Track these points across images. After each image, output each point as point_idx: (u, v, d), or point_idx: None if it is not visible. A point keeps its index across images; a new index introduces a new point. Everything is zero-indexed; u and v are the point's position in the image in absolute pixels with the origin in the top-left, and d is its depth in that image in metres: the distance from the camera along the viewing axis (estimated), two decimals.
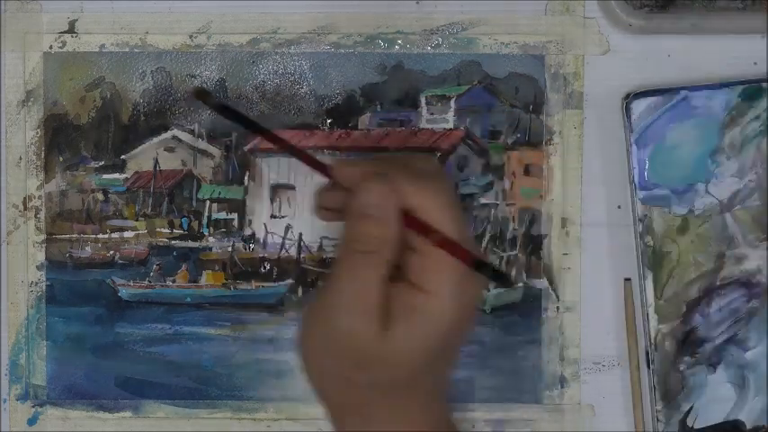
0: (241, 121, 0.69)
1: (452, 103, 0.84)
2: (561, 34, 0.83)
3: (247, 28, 0.83)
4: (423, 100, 0.84)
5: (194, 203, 0.85)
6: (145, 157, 0.85)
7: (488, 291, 0.85)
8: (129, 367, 0.85)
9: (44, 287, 0.84)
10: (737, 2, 0.83)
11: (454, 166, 0.85)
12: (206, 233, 0.85)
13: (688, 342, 0.83)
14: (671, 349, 0.83)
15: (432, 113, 0.84)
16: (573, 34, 0.83)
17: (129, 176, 0.85)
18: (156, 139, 0.84)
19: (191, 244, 0.85)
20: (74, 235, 0.85)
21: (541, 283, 0.84)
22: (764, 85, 0.83)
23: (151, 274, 0.85)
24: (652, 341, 0.83)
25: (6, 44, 0.83)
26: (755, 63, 0.83)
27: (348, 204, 0.66)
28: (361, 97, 0.84)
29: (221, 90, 0.84)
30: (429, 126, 0.84)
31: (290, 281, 0.85)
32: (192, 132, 0.84)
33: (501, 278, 0.66)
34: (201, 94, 0.68)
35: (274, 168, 0.85)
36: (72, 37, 0.83)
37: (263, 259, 0.86)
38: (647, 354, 0.83)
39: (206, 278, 0.85)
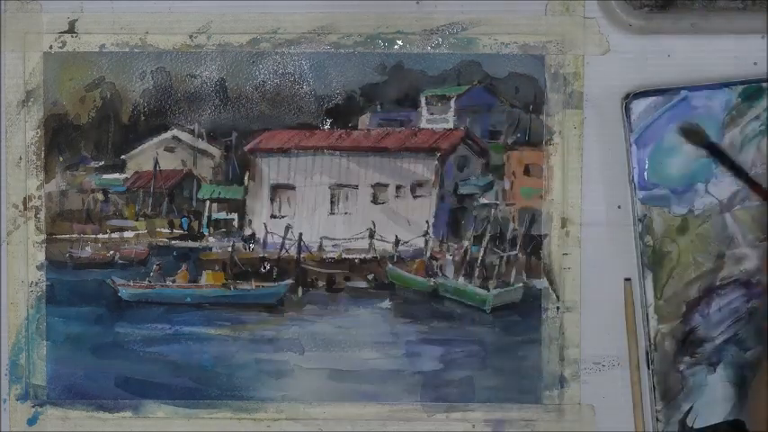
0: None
1: (452, 103, 0.84)
2: (561, 34, 0.83)
3: (247, 28, 0.84)
4: (423, 100, 0.84)
5: (194, 203, 0.85)
6: (145, 157, 0.85)
7: (488, 291, 0.85)
8: (129, 367, 0.85)
9: (44, 287, 0.84)
10: (737, 2, 0.83)
11: (454, 166, 0.85)
12: (206, 233, 0.85)
13: (688, 342, 0.83)
14: (671, 349, 0.83)
15: (432, 113, 0.84)
16: (573, 34, 0.83)
17: (129, 176, 0.85)
18: (156, 139, 0.84)
19: (191, 244, 0.85)
20: (74, 235, 0.85)
21: (541, 283, 0.85)
22: (764, 85, 0.82)
23: (151, 274, 0.85)
24: (652, 341, 0.83)
25: (6, 44, 0.83)
26: (755, 63, 0.83)
27: None
28: (361, 97, 0.84)
29: (221, 90, 0.84)
30: (429, 126, 0.84)
31: (290, 281, 0.85)
32: (191, 132, 0.84)
33: None
34: (690, 134, 0.72)
35: (274, 168, 0.86)
36: (72, 37, 0.83)
37: (263, 259, 0.86)
38: (647, 354, 0.83)
39: (206, 278, 0.85)
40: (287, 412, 0.85)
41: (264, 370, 0.85)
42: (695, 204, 0.83)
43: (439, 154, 0.84)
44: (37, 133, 0.84)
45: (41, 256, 0.84)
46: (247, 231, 0.85)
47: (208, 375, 0.85)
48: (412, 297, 0.84)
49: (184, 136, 0.84)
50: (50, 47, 0.84)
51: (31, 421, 0.85)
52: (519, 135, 0.84)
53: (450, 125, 0.84)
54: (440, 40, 0.84)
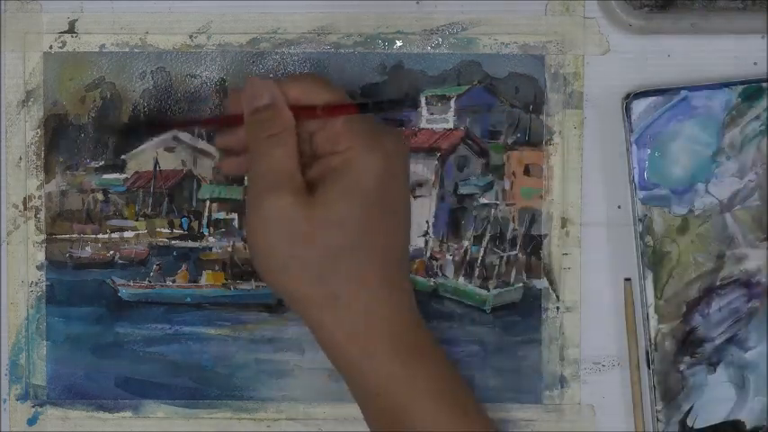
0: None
1: (452, 103, 0.84)
2: (561, 34, 0.83)
3: (247, 28, 0.83)
4: (423, 100, 0.84)
5: (194, 203, 0.85)
6: (145, 157, 0.85)
7: (488, 291, 0.85)
8: (129, 367, 0.85)
9: (44, 287, 0.84)
10: (737, 2, 0.83)
11: (454, 166, 0.85)
12: (206, 233, 0.85)
13: (688, 342, 0.83)
14: (671, 349, 0.83)
15: (432, 113, 0.84)
16: (573, 34, 0.83)
17: (129, 176, 0.85)
18: (156, 139, 0.84)
19: (191, 244, 0.85)
20: (74, 235, 0.85)
21: (541, 283, 0.85)
22: (764, 85, 0.83)
23: (151, 274, 0.85)
24: (652, 341, 0.83)
25: (6, 44, 0.83)
26: (755, 63, 0.83)
27: (246, 114, 0.74)
28: (361, 97, 0.84)
29: (221, 90, 0.84)
30: (429, 126, 0.84)
31: None
32: (192, 132, 0.84)
33: (393, 104, 0.70)
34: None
35: None
36: (72, 37, 0.83)
37: None
38: (647, 354, 0.83)
39: (206, 278, 0.85)
40: (287, 412, 0.85)
41: (264, 370, 0.85)
42: (695, 204, 0.83)
43: (439, 154, 0.84)
44: (37, 133, 0.84)
45: (41, 256, 0.84)
46: None
47: (208, 375, 0.85)
48: None
49: (184, 136, 0.84)
50: (50, 47, 0.84)
51: (31, 421, 0.85)
52: (519, 135, 0.84)
53: (451, 125, 0.84)
54: (440, 40, 0.84)
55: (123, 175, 0.85)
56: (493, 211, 0.85)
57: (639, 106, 0.82)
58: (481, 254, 0.85)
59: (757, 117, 0.83)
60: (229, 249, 0.85)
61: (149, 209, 0.85)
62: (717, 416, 0.84)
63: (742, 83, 0.83)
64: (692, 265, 0.83)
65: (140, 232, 0.85)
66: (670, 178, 0.83)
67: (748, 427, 0.84)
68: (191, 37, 0.84)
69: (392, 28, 0.84)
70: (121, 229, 0.85)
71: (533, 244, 0.85)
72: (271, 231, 0.71)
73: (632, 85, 0.83)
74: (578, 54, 0.83)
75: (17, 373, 0.85)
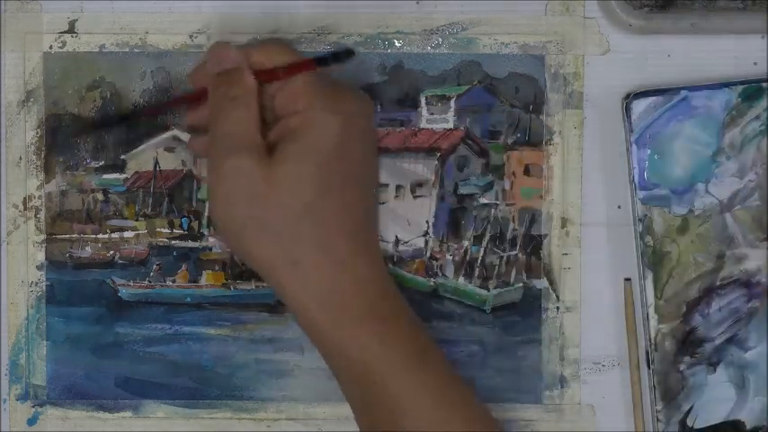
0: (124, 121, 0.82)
1: (452, 103, 0.84)
2: (561, 34, 0.83)
3: (247, 28, 0.83)
4: (423, 100, 0.84)
5: (194, 203, 0.85)
6: (145, 157, 0.85)
7: (488, 291, 0.85)
8: (129, 367, 0.85)
9: (44, 287, 0.84)
10: (737, 2, 0.83)
11: (454, 166, 0.85)
12: (206, 233, 0.85)
13: (688, 342, 0.83)
14: (671, 349, 0.83)
15: (432, 113, 0.84)
16: (573, 34, 0.83)
17: (129, 176, 0.85)
18: (155, 139, 0.84)
19: (191, 244, 0.85)
20: (74, 235, 0.85)
21: (541, 283, 0.85)
22: (764, 85, 0.83)
23: (151, 274, 0.85)
24: (652, 341, 0.83)
25: (6, 44, 0.83)
26: (755, 63, 0.83)
27: (210, 83, 0.74)
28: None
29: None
30: (429, 126, 0.84)
31: None
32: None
33: (340, 54, 0.71)
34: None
35: None
36: (72, 37, 0.83)
37: None
38: (647, 354, 0.83)
39: (206, 278, 0.85)
40: (287, 412, 0.85)
41: (264, 370, 0.85)
42: (695, 204, 0.83)
43: (439, 154, 0.84)
44: (37, 133, 0.84)
45: (41, 256, 0.84)
46: None
47: (208, 375, 0.85)
48: (412, 297, 0.84)
49: (184, 136, 0.84)
50: (50, 47, 0.84)
51: (31, 421, 0.85)
52: (519, 135, 0.84)
53: (451, 125, 0.84)
54: (440, 40, 0.84)
55: (123, 175, 0.85)
56: (493, 211, 0.85)
57: (639, 106, 0.82)
58: (481, 254, 0.85)
59: (757, 117, 0.83)
60: (229, 249, 0.85)
61: (149, 209, 0.85)
62: (717, 416, 0.84)
63: (742, 83, 0.83)
64: (692, 265, 0.83)
65: (140, 232, 0.85)
66: (670, 178, 0.83)
67: (748, 427, 0.84)
68: (191, 37, 0.84)
69: (392, 28, 0.84)
70: (121, 229, 0.85)
71: (533, 244, 0.85)
72: (230, 192, 0.70)
73: (632, 85, 0.83)
74: (578, 54, 0.83)
75: (17, 373, 0.85)
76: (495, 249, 0.85)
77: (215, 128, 0.72)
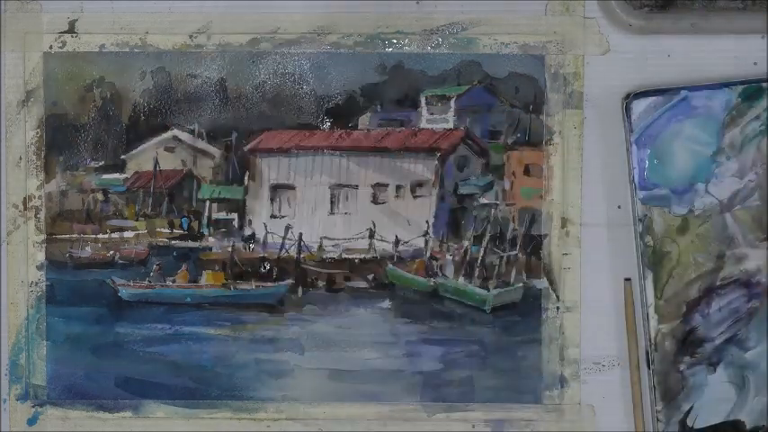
0: None
1: (452, 103, 0.84)
2: (561, 34, 0.83)
3: (247, 28, 0.83)
4: (423, 100, 0.84)
5: (194, 203, 0.85)
6: (145, 157, 0.85)
7: (488, 291, 0.85)
8: (129, 367, 0.85)
9: (44, 287, 0.84)
10: (737, 2, 0.83)
11: (454, 166, 0.85)
12: (206, 233, 0.85)
13: (688, 342, 0.83)
14: (671, 349, 0.83)
15: (432, 113, 0.84)
16: (573, 34, 0.83)
17: (129, 176, 0.85)
18: (155, 139, 0.84)
19: (191, 244, 0.85)
20: (74, 235, 0.85)
21: (541, 283, 0.84)
22: (764, 85, 0.82)
23: (151, 274, 0.85)
24: (652, 341, 0.83)
25: (6, 44, 0.83)
26: (755, 63, 0.83)
27: None
28: (361, 97, 0.84)
29: (221, 90, 0.84)
30: (429, 126, 0.84)
31: (290, 281, 0.85)
32: (192, 132, 0.84)
33: None
34: None
35: (274, 168, 0.85)
36: (72, 37, 0.83)
37: (263, 259, 0.86)
38: (647, 354, 0.83)
39: (206, 278, 0.85)
40: (287, 412, 0.85)
41: (264, 370, 0.85)
42: (695, 204, 0.83)
43: (439, 154, 0.84)
44: (37, 133, 0.84)
45: (41, 256, 0.84)
46: (247, 231, 0.85)
47: (208, 375, 0.85)
48: (412, 297, 0.84)
49: (184, 136, 0.84)
50: (50, 47, 0.84)
51: (31, 421, 0.85)
52: (519, 135, 0.84)
53: (450, 125, 0.84)
54: (440, 40, 0.84)
55: (123, 175, 0.85)
56: (493, 211, 0.85)
57: (639, 106, 0.82)
58: (481, 254, 0.85)
59: (757, 117, 0.83)
60: (229, 249, 0.85)
61: (149, 209, 0.85)
62: (717, 416, 0.84)
63: (742, 83, 0.82)
64: (692, 265, 0.83)
65: (140, 232, 0.85)
66: (670, 178, 0.83)
67: (748, 427, 0.84)
68: (191, 37, 0.84)
69: (392, 28, 0.84)
70: (121, 229, 0.85)
71: (533, 244, 0.85)
72: None
73: (632, 85, 0.83)
74: (578, 54, 0.83)
75: (17, 373, 0.85)
76: (495, 249, 0.85)
77: None
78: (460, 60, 0.84)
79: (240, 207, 0.85)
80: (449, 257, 0.85)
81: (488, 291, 0.85)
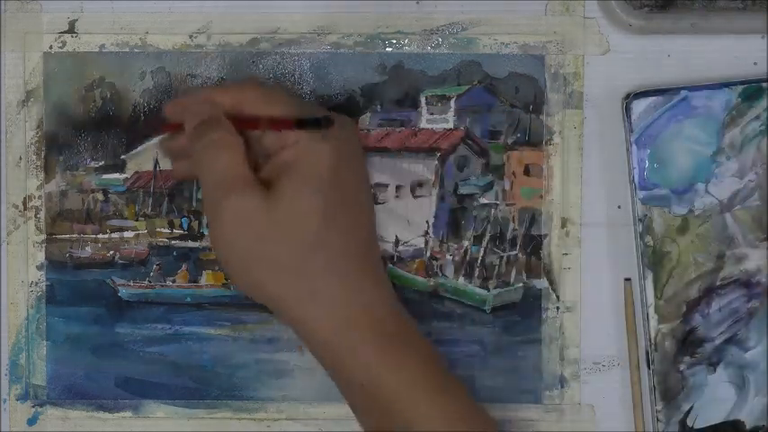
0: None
1: (452, 103, 0.84)
2: (561, 34, 0.83)
3: (247, 28, 0.83)
4: (423, 100, 0.84)
5: (194, 203, 0.85)
6: (145, 157, 0.85)
7: (488, 291, 0.85)
8: (129, 367, 0.85)
9: (44, 287, 0.84)
10: (737, 2, 0.83)
11: (454, 166, 0.85)
12: (206, 233, 0.85)
13: (688, 342, 0.83)
14: (671, 349, 0.83)
15: (432, 113, 0.84)
16: (573, 34, 0.83)
17: (129, 176, 0.85)
18: (155, 139, 0.84)
19: (191, 244, 0.85)
20: (74, 235, 0.85)
21: (541, 283, 0.85)
22: (764, 85, 0.83)
23: (151, 274, 0.85)
24: (652, 341, 0.83)
25: (6, 44, 0.83)
26: (755, 63, 0.83)
27: (187, 130, 0.74)
28: (361, 97, 0.84)
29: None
30: (429, 126, 0.84)
31: None
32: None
33: (321, 121, 0.70)
34: None
35: None
36: (72, 37, 0.83)
37: None
38: (647, 354, 0.83)
39: (206, 278, 0.85)
40: (287, 412, 0.85)
41: (264, 370, 0.85)
42: (695, 204, 0.83)
43: (439, 154, 0.84)
44: (37, 133, 0.84)
45: (41, 256, 0.84)
46: None
47: (208, 375, 0.85)
48: (412, 297, 0.84)
49: None
50: (50, 47, 0.84)
51: (31, 421, 0.85)
52: (519, 135, 0.84)
53: (450, 125, 0.84)
54: (440, 40, 0.84)
55: (123, 175, 0.85)
56: (493, 211, 0.85)
57: (639, 106, 0.82)
58: (481, 254, 0.85)
59: (757, 117, 0.83)
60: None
61: (149, 209, 0.85)
62: (717, 416, 0.84)
63: (742, 83, 0.83)
64: (692, 265, 0.83)
65: (140, 232, 0.85)
66: (670, 178, 0.83)
67: (748, 427, 0.84)
68: (191, 37, 0.84)
69: (392, 28, 0.84)
70: (121, 229, 0.85)
71: (533, 244, 0.85)
72: (234, 234, 0.71)
73: (632, 85, 0.83)
74: (578, 54, 0.83)
75: (17, 373, 0.85)
76: (495, 249, 0.85)
77: (204, 172, 0.73)
78: (460, 60, 0.84)
79: None
80: (449, 257, 0.85)
81: (488, 291, 0.85)
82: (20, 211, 0.84)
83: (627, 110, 0.82)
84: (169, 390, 0.85)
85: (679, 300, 0.83)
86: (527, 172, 0.84)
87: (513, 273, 0.85)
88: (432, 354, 0.74)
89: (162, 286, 0.85)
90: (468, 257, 0.85)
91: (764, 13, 0.82)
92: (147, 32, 0.84)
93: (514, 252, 0.85)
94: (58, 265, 0.85)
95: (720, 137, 0.83)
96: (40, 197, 0.84)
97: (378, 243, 0.77)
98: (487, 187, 0.85)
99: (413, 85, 0.84)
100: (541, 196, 0.84)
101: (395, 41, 0.84)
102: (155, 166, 0.85)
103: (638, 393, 0.84)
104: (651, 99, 0.82)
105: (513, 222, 0.85)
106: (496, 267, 0.85)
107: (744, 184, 0.83)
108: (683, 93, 0.82)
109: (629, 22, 0.82)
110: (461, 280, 0.85)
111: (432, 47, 0.84)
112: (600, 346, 0.85)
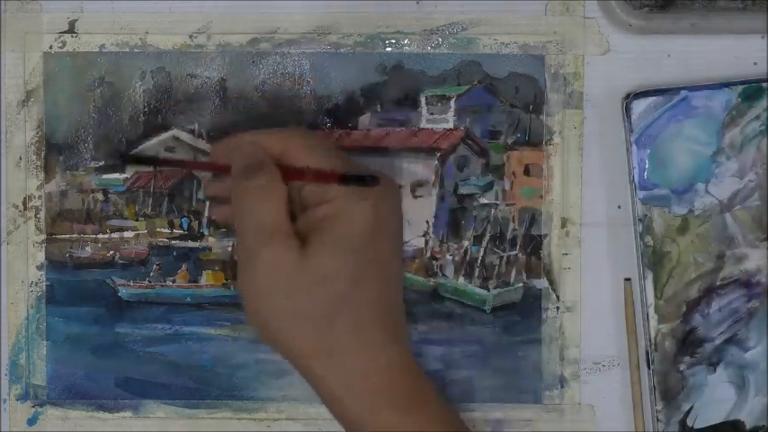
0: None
1: (452, 103, 0.84)
2: (561, 34, 0.83)
3: (247, 28, 0.84)
4: (423, 100, 0.84)
5: (194, 203, 0.85)
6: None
7: (488, 291, 0.85)
8: (129, 367, 0.85)
9: (44, 287, 0.84)
10: (737, 2, 0.83)
11: (454, 166, 0.85)
12: (206, 233, 0.85)
13: (688, 342, 0.83)
14: (671, 349, 0.83)
15: (432, 113, 0.84)
16: (573, 34, 0.83)
17: (129, 176, 0.85)
18: (155, 139, 0.84)
19: (191, 244, 0.85)
20: (74, 235, 0.85)
21: (541, 283, 0.85)
22: (764, 85, 0.83)
23: (151, 274, 0.85)
24: (652, 341, 0.83)
25: (6, 44, 0.83)
26: (755, 63, 0.83)
27: (234, 171, 0.73)
28: (361, 97, 0.84)
29: (221, 90, 0.84)
30: (429, 126, 0.84)
31: None
32: (192, 132, 0.84)
33: (366, 179, 0.69)
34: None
35: None
36: (72, 37, 0.83)
37: None
38: (647, 354, 0.83)
39: (206, 278, 0.85)
40: (287, 412, 0.85)
41: (264, 370, 0.85)
42: (695, 204, 0.83)
43: (439, 154, 0.84)
44: (37, 133, 0.84)
45: (41, 256, 0.84)
46: None
47: (208, 375, 0.85)
48: (412, 297, 0.84)
49: (184, 136, 0.84)
50: (50, 47, 0.84)
51: (31, 421, 0.85)
52: (519, 135, 0.84)
53: (451, 125, 0.84)
54: (440, 40, 0.84)
55: (123, 175, 0.85)
56: (493, 211, 0.85)
57: (639, 106, 0.82)
58: (481, 254, 0.85)
59: (757, 117, 0.83)
60: (229, 249, 0.85)
61: (149, 209, 0.85)
62: (717, 416, 0.84)
63: (742, 83, 0.83)
64: (692, 265, 0.83)
65: (140, 232, 0.85)
66: (670, 178, 0.83)
67: (748, 427, 0.84)
68: (191, 37, 0.84)
69: (392, 28, 0.84)
70: (121, 229, 0.85)
71: (533, 244, 0.85)
72: (267, 284, 0.70)
73: (632, 85, 0.83)
74: (578, 54, 0.84)
75: (17, 373, 0.85)
76: (495, 249, 0.85)
77: (244, 216, 0.71)
78: (460, 60, 0.84)
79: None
80: (449, 257, 0.85)
81: (488, 291, 0.85)
82: (20, 211, 0.84)
83: (627, 110, 0.82)
84: (169, 390, 0.85)
85: (679, 300, 0.83)
86: (527, 172, 0.85)
87: (513, 273, 0.85)
88: (448, 417, 0.73)
89: (162, 286, 0.85)
90: (468, 257, 0.85)
91: (764, 13, 0.82)
92: (147, 32, 0.84)
93: (514, 252, 0.85)
94: (57, 265, 0.85)
95: (720, 137, 0.83)
96: (40, 197, 0.84)
97: (402, 301, 0.76)
98: (487, 187, 0.85)
99: (413, 85, 0.84)
100: (541, 196, 0.84)
101: (395, 41, 0.84)
102: (154, 167, 0.85)
103: (638, 393, 0.84)
104: (651, 99, 0.82)
105: (513, 222, 0.85)
106: (496, 267, 0.85)
107: (744, 184, 0.83)
108: (683, 93, 0.82)
109: (629, 22, 0.82)
110: (461, 280, 0.85)
111: (432, 47, 0.84)
112: (600, 346, 0.85)
